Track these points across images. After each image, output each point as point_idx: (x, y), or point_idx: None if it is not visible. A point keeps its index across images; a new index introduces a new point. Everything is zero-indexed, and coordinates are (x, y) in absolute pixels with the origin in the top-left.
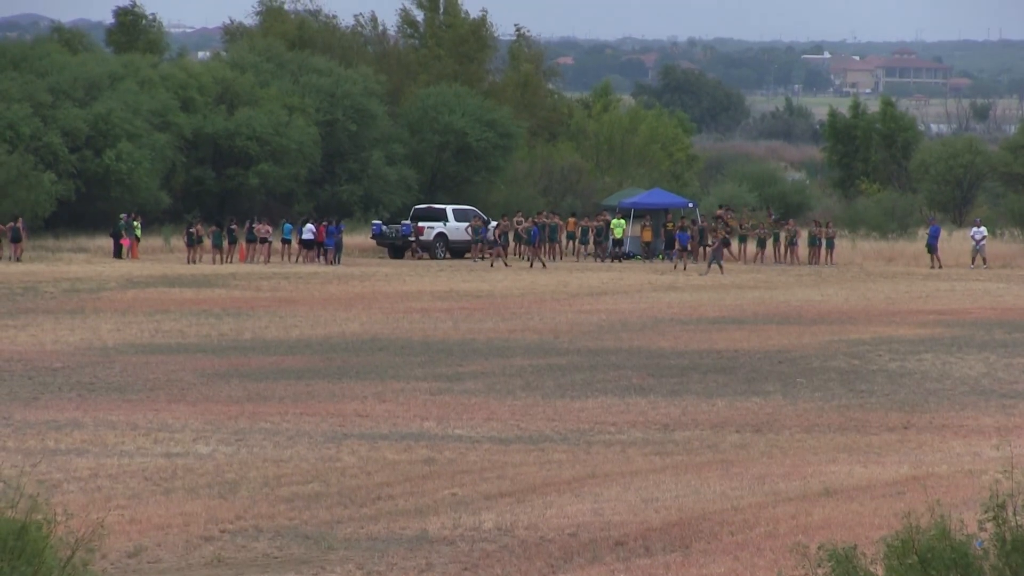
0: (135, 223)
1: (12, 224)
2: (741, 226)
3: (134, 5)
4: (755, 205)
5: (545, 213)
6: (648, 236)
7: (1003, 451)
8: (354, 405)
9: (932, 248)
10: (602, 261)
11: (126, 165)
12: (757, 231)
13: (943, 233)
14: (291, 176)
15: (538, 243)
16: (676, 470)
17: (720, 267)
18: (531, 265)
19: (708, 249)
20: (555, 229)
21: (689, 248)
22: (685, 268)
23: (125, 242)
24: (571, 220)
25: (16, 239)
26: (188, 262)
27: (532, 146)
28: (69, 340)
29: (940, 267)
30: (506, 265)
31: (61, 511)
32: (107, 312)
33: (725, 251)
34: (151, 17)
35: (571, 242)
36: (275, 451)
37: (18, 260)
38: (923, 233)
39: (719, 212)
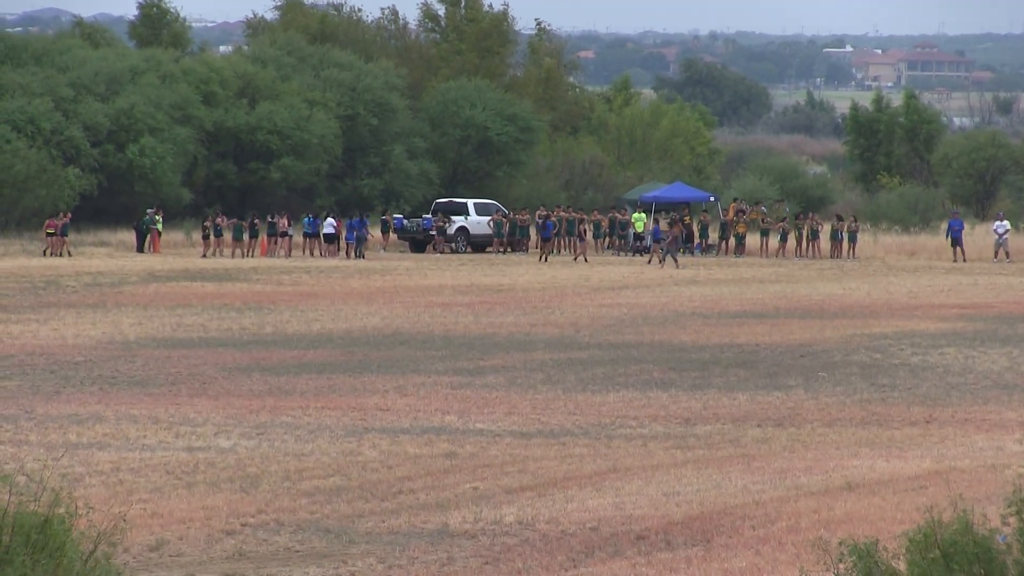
0: (157, 217)
1: (63, 220)
2: (763, 220)
3: None
4: (775, 199)
5: (562, 208)
6: None
7: None
8: (375, 399)
9: (956, 241)
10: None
11: (148, 159)
12: (779, 224)
13: (966, 227)
14: (312, 170)
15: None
16: (697, 464)
17: (675, 260)
18: (542, 259)
19: (726, 243)
20: (573, 223)
21: (667, 239)
22: (662, 262)
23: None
24: (594, 212)
25: (64, 234)
26: (203, 256)
27: (553, 140)
28: (91, 334)
29: (964, 260)
30: (586, 259)
31: (83, 505)
32: (129, 306)
33: (737, 246)
34: (176, 12)
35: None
36: (296, 445)
37: (69, 255)
38: (945, 227)
39: (734, 206)
